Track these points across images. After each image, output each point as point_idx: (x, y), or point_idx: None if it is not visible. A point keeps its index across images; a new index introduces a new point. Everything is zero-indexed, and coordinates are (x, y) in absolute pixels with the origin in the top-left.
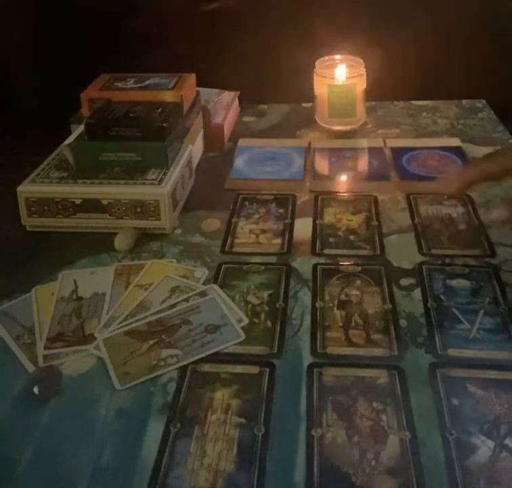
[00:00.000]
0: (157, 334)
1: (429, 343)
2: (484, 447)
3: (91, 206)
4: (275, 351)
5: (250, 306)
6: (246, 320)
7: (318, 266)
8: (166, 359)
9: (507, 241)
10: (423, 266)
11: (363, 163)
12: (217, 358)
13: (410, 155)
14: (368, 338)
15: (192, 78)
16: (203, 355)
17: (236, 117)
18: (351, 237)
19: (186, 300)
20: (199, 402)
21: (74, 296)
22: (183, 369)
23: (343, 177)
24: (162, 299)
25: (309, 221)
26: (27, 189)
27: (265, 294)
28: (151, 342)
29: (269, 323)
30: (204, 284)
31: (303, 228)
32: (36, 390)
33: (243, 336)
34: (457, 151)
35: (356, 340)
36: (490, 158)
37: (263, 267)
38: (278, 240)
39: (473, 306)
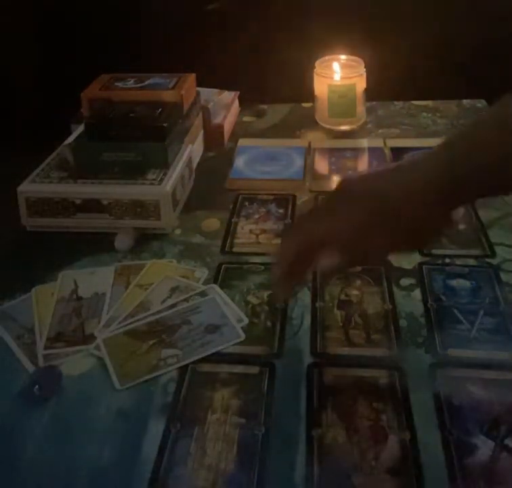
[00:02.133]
0: (157, 334)
1: (429, 343)
2: (484, 447)
3: (91, 206)
4: (276, 351)
5: (250, 306)
6: (246, 320)
7: None
8: (166, 359)
9: (507, 241)
10: (423, 266)
11: (363, 163)
12: (217, 358)
13: (410, 155)
14: (368, 338)
15: (191, 78)
16: (203, 355)
17: (236, 117)
18: None
19: (186, 300)
20: (199, 402)
21: (74, 296)
22: (183, 369)
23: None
24: (162, 300)
25: None
26: (27, 189)
27: (265, 294)
28: (151, 342)
29: (269, 323)
30: (204, 284)
31: None
32: (36, 390)
33: (243, 336)
34: None
35: (356, 340)
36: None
37: (263, 267)
38: (278, 241)
39: (473, 306)
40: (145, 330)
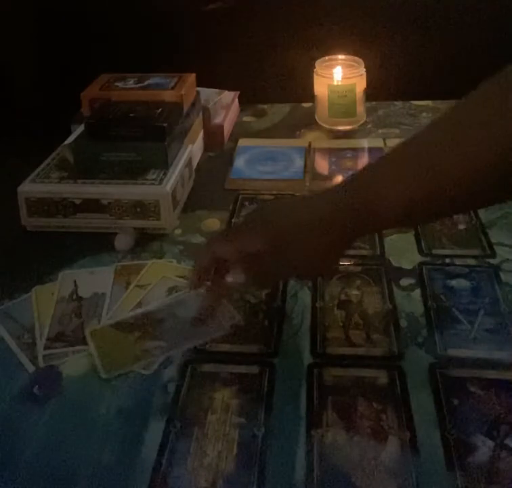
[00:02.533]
0: (143, 327)
1: (429, 343)
2: (484, 447)
3: (91, 206)
4: (272, 350)
5: (248, 305)
6: (237, 318)
7: None
8: (151, 350)
9: (507, 241)
10: (423, 266)
11: (363, 163)
12: (217, 358)
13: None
14: (368, 338)
15: (192, 78)
16: (187, 347)
17: (236, 117)
18: None
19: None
20: (199, 402)
21: (74, 296)
22: (183, 369)
23: (343, 177)
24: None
25: None
26: (27, 189)
27: (264, 293)
28: (137, 334)
29: (266, 322)
30: None
31: None
32: (36, 390)
33: (228, 329)
34: None
35: (356, 340)
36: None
37: None
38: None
39: (473, 306)
40: (132, 323)
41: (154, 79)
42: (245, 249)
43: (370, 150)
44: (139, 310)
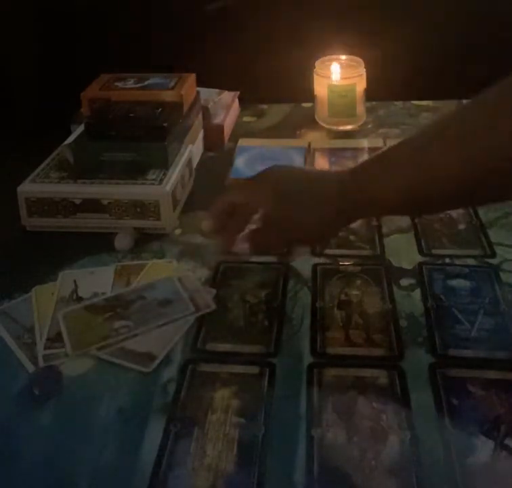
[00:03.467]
0: (113, 308)
1: (429, 343)
2: (484, 447)
3: (91, 206)
4: (272, 350)
5: (248, 305)
6: (213, 306)
7: (318, 266)
8: (118, 329)
9: (507, 241)
10: (423, 266)
11: None
12: (217, 358)
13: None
14: (368, 338)
15: (191, 78)
16: (153, 325)
17: (236, 117)
18: (351, 237)
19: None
20: (199, 402)
21: (74, 296)
22: (183, 369)
23: None
24: None
25: None
26: (27, 189)
27: (263, 293)
28: (107, 315)
29: (266, 322)
30: (203, 284)
31: None
32: (36, 390)
33: (193, 309)
34: None
35: (356, 340)
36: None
37: (261, 266)
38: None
39: (473, 306)
40: (103, 305)
41: (154, 79)
42: (254, 201)
43: (370, 150)
44: (111, 294)
